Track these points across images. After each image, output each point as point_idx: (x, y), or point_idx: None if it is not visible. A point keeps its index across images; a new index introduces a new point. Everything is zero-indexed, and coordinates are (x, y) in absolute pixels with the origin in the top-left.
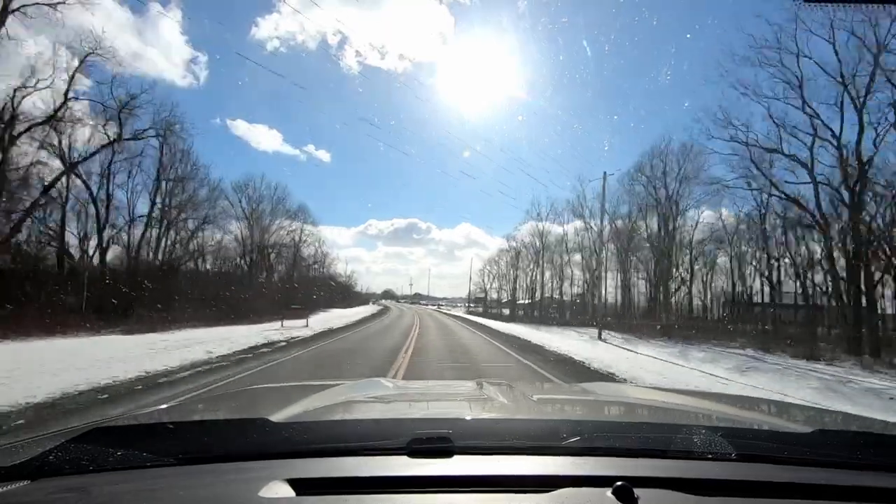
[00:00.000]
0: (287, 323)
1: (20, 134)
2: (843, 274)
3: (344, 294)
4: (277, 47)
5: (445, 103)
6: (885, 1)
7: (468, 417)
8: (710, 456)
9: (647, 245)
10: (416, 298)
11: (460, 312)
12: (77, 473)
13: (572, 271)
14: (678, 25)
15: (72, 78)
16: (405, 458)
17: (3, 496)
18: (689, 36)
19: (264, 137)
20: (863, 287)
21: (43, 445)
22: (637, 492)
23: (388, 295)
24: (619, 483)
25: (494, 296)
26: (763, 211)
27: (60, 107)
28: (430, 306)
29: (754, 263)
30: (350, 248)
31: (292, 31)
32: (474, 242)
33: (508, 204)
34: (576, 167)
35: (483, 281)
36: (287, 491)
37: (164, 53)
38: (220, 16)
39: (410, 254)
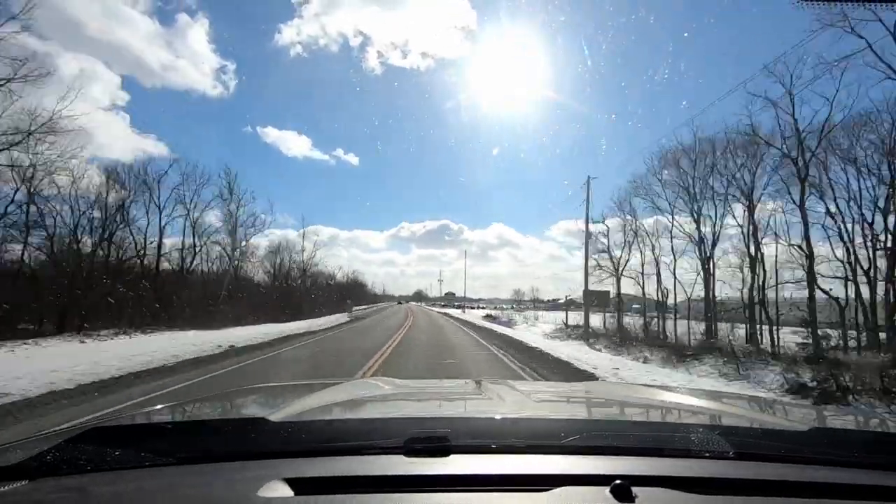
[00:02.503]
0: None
1: None
2: None
3: (350, 296)
4: (300, 53)
5: (472, 102)
6: (886, 0)
7: (466, 416)
8: (707, 454)
9: None
10: (448, 300)
11: (568, 347)
12: (75, 473)
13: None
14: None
15: None
16: (402, 457)
17: (1, 496)
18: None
19: (294, 143)
20: None
21: (41, 445)
22: (635, 490)
23: (418, 296)
24: (617, 481)
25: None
26: None
27: None
28: (466, 310)
29: None
30: (384, 251)
31: (314, 35)
32: (508, 242)
33: (543, 202)
34: (616, 160)
35: (614, 258)
36: (285, 490)
37: (194, 64)
38: (245, 26)
39: (443, 255)
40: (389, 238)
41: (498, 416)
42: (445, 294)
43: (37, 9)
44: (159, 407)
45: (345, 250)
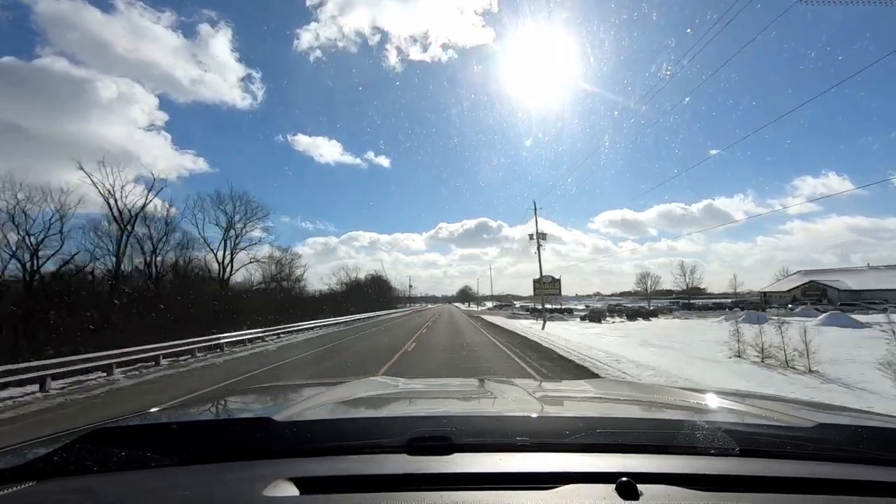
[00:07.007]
0: None
1: None
2: None
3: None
4: (320, 57)
5: (499, 91)
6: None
7: (469, 415)
8: (712, 451)
9: None
10: (551, 293)
11: None
12: (81, 474)
13: None
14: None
15: None
16: (405, 456)
17: (8, 497)
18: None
19: (325, 149)
20: None
21: (47, 447)
22: (641, 487)
23: (464, 296)
24: (622, 479)
25: None
26: None
27: None
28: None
29: None
30: (424, 253)
31: (333, 37)
32: (550, 237)
33: (584, 194)
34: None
35: None
36: (291, 490)
37: (221, 76)
38: (264, 33)
39: (484, 254)
40: (428, 239)
41: (501, 415)
42: (541, 281)
43: (69, 32)
44: (164, 408)
45: (387, 254)
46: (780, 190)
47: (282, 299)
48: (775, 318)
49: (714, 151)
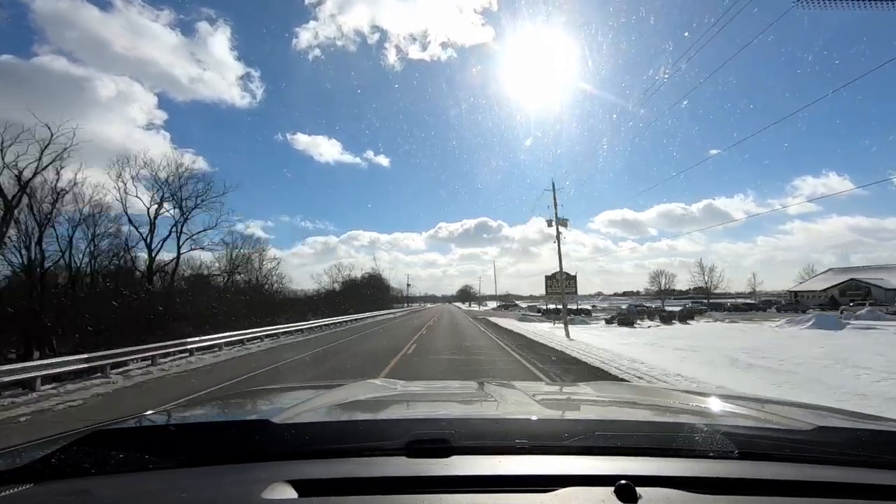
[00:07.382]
0: None
1: None
2: None
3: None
4: (319, 56)
5: (498, 90)
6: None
7: (468, 417)
8: (711, 454)
9: None
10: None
11: None
12: (79, 476)
13: None
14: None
15: None
16: (404, 458)
17: (6, 499)
18: None
19: (324, 148)
20: None
21: (45, 449)
22: (639, 490)
23: (464, 295)
24: (621, 482)
25: None
26: None
27: None
28: None
29: None
30: (424, 252)
31: (332, 36)
32: (550, 237)
33: (585, 193)
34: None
35: None
36: (289, 492)
37: (220, 74)
38: (262, 32)
39: (484, 254)
40: (428, 239)
41: (500, 417)
42: (558, 278)
43: (68, 30)
44: (162, 409)
45: (386, 253)
46: (780, 190)
47: (239, 299)
48: (858, 321)
49: (714, 151)
